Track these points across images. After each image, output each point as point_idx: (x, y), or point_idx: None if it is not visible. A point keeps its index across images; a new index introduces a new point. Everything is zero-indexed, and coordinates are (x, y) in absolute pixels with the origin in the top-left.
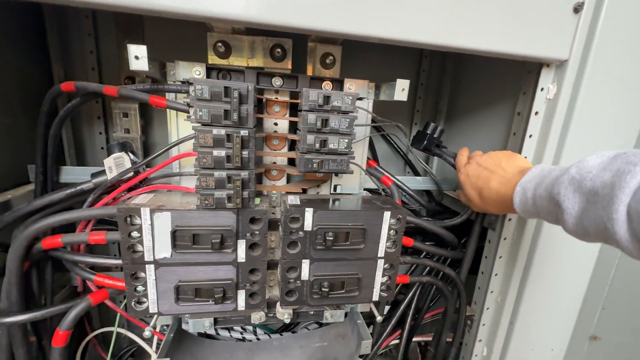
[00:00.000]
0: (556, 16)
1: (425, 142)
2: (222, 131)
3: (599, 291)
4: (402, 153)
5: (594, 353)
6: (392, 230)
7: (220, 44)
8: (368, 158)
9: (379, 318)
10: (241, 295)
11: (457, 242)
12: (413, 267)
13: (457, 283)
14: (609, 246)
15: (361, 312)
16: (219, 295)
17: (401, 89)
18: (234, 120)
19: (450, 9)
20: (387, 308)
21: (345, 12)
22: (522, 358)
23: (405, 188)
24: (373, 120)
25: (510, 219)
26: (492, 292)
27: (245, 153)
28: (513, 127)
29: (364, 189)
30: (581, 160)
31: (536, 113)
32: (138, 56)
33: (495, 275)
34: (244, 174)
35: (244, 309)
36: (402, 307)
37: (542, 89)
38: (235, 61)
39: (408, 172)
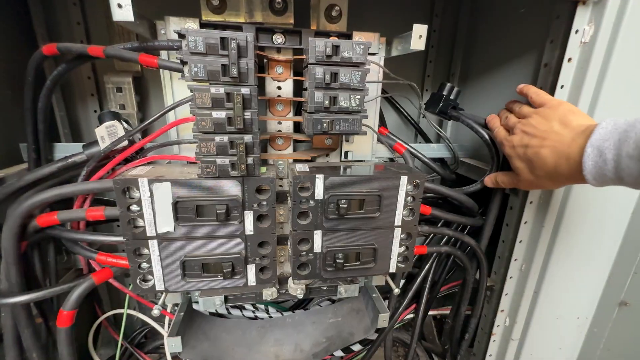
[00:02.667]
0: None
1: (440, 105)
2: (221, 89)
3: (632, 255)
4: (412, 121)
5: (622, 320)
6: (409, 197)
7: None
8: (379, 125)
9: (396, 290)
10: (251, 270)
11: (476, 210)
12: (429, 238)
13: (477, 252)
14: None
15: (375, 286)
16: (228, 270)
17: (418, 36)
18: (233, 76)
19: None
20: (402, 282)
21: None
22: (547, 327)
23: (420, 155)
24: (385, 79)
25: None
26: (515, 259)
27: (247, 114)
28: (539, 80)
29: (376, 158)
30: None
31: (569, 60)
32: (121, 4)
33: (520, 242)
34: (248, 137)
35: (254, 284)
36: (418, 281)
37: (576, 31)
38: (231, 17)
39: (420, 141)
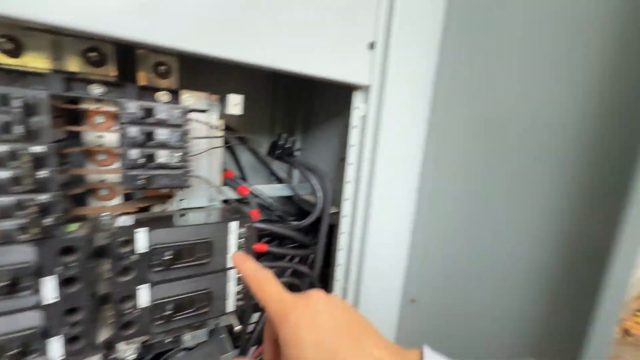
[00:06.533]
0: (358, 51)
1: (278, 152)
2: (4, 147)
3: (418, 257)
4: (266, 163)
5: (413, 314)
6: (242, 239)
7: (4, 40)
8: (225, 168)
9: (237, 328)
10: (54, 344)
11: (310, 241)
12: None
13: (311, 279)
14: (420, 219)
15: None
16: (17, 352)
17: (234, 104)
18: (20, 134)
19: (286, 37)
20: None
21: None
22: None
23: (262, 196)
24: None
25: (345, 217)
26: (338, 280)
27: (44, 172)
28: (348, 138)
29: (224, 200)
30: None
31: (355, 127)
32: None
33: (339, 265)
34: (45, 197)
35: (64, 358)
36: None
37: (357, 108)
38: (33, 62)
39: (275, 181)
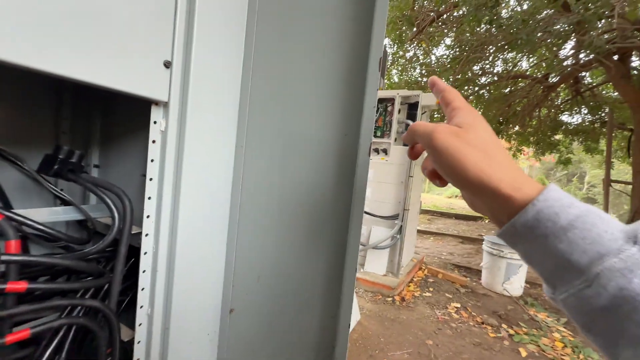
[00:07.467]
0: (153, 68)
1: (56, 167)
2: None
3: (232, 267)
4: (48, 181)
5: (233, 323)
6: None
7: None
8: None
9: None
10: None
11: (99, 269)
12: (66, 310)
13: (104, 312)
14: (235, 234)
15: None
16: None
17: None
18: None
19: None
20: None
21: None
22: (184, 353)
23: (30, 222)
24: None
25: (147, 235)
26: (141, 307)
27: None
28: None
29: None
30: None
31: (154, 141)
32: None
33: (142, 289)
34: None
35: None
36: None
37: (155, 122)
38: None
39: (60, 203)
